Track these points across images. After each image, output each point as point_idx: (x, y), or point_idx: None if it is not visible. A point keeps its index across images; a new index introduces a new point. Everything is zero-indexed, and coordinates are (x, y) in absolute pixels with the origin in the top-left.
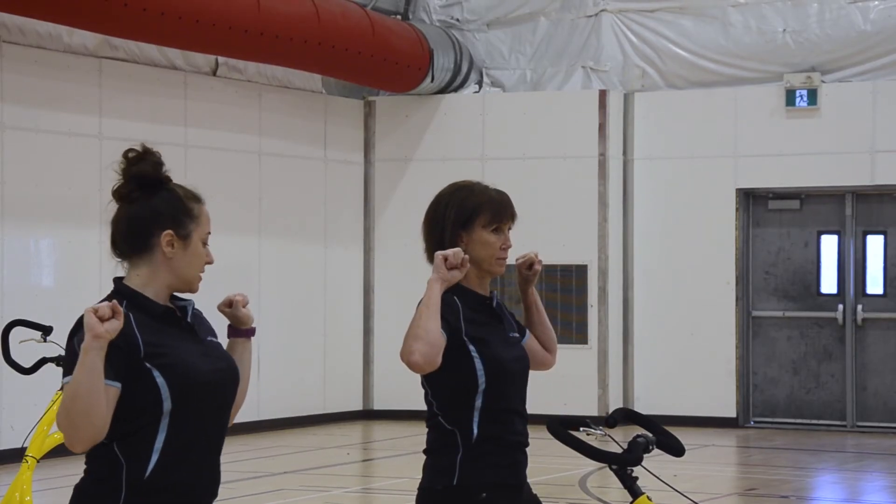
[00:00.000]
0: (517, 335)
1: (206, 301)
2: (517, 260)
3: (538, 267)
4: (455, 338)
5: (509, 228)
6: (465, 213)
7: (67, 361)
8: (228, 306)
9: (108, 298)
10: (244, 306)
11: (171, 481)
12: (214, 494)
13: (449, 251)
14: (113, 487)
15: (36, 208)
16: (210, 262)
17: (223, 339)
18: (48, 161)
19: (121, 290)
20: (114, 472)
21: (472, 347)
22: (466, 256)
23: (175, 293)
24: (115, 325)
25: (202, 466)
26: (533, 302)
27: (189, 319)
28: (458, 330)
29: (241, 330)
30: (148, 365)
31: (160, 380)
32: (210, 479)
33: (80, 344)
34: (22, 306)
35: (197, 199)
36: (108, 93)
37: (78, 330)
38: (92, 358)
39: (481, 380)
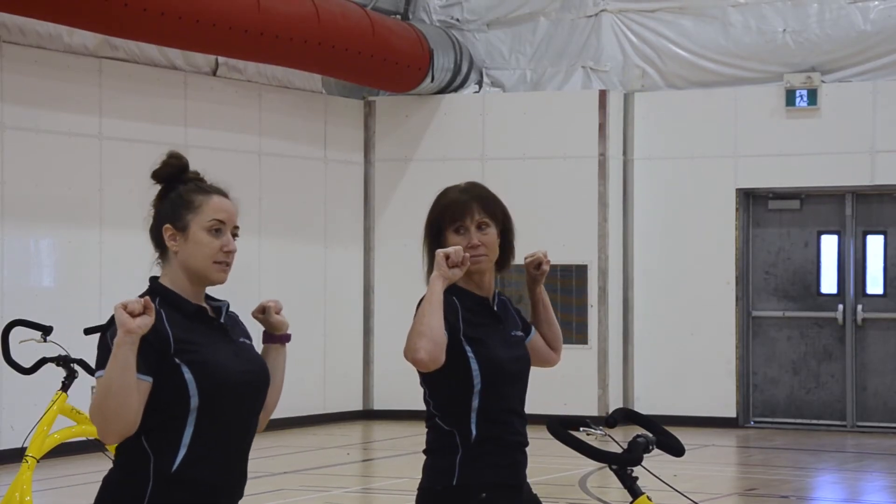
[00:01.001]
0: (520, 334)
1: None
2: (525, 259)
3: (546, 267)
4: (453, 338)
5: (479, 227)
6: (434, 225)
7: (100, 356)
8: (262, 312)
9: (142, 296)
10: (277, 312)
11: (197, 476)
12: (240, 494)
13: (450, 249)
14: (140, 479)
15: (36, 208)
16: (229, 251)
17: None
18: (48, 161)
19: (154, 288)
20: (142, 465)
21: (468, 348)
22: (468, 255)
23: (209, 294)
24: (147, 321)
25: (228, 465)
26: (540, 300)
27: (222, 320)
28: (456, 330)
29: (275, 336)
30: (177, 360)
31: (188, 376)
32: (236, 479)
33: (112, 339)
34: (22, 306)
35: (204, 191)
36: (108, 93)
37: (111, 325)
38: (124, 353)
39: (476, 380)
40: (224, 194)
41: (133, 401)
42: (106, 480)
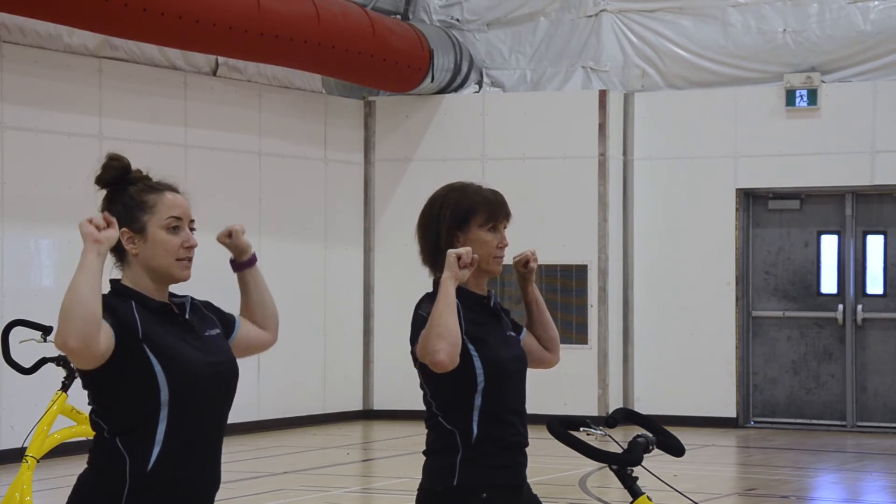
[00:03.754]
0: (513, 333)
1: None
2: (514, 259)
3: (534, 264)
4: None
5: (505, 227)
6: (460, 214)
7: None
8: (229, 236)
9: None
10: (243, 234)
11: (173, 474)
12: (216, 487)
13: (461, 249)
14: (116, 481)
15: (36, 208)
16: (190, 246)
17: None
18: (48, 161)
19: (118, 290)
20: (117, 466)
21: (471, 347)
22: (476, 256)
23: (171, 291)
24: (113, 234)
25: (204, 458)
26: (533, 300)
27: (187, 316)
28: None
29: (243, 262)
30: (147, 350)
31: (157, 368)
32: (211, 472)
33: None
34: (22, 306)
35: (156, 189)
36: (108, 93)
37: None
38: (91, 259)
39: (480, 379)
40: (175, 190)
41: (99, 307)
42: (80, 480)
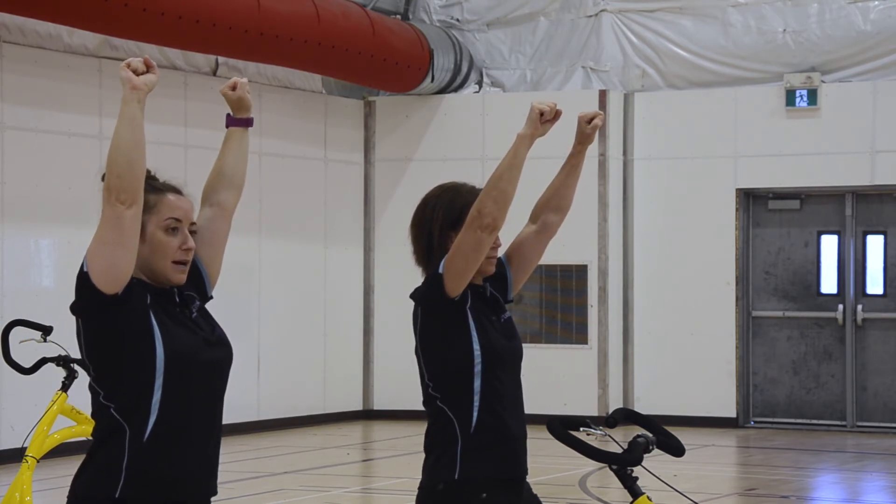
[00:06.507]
0: (508, 315)
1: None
2: (579, 114)
3: (598, 121)
4: (460, 306)
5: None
6: (453, 214)
7: None
8: (233, 89)
9: None
10: (247, 92)
11: (170, 446)
12: (212, 489)
13: (544, 105)
14: (116, 450)
15: (36, 208)
16: (188, 248)
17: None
18: (48, 161)
19: None
20: (117, 436)
21: (472, 323)
22: (560, 110)
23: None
24: (152, 78)
25: (200, 438)
26: (575, 161)
27: (177, 299)
28: (465, 300)
29: (240, 119)
30: (151, 315)
31: (157, 333)
32: (206, 467)
33: None
34: (22, 306)
35: (157, 190)
36: (108, 93)
37: None
38: (132, 109)
39: (477, 360)
40: (178, 191)
41: (143, 158)
42: (84, 460)
